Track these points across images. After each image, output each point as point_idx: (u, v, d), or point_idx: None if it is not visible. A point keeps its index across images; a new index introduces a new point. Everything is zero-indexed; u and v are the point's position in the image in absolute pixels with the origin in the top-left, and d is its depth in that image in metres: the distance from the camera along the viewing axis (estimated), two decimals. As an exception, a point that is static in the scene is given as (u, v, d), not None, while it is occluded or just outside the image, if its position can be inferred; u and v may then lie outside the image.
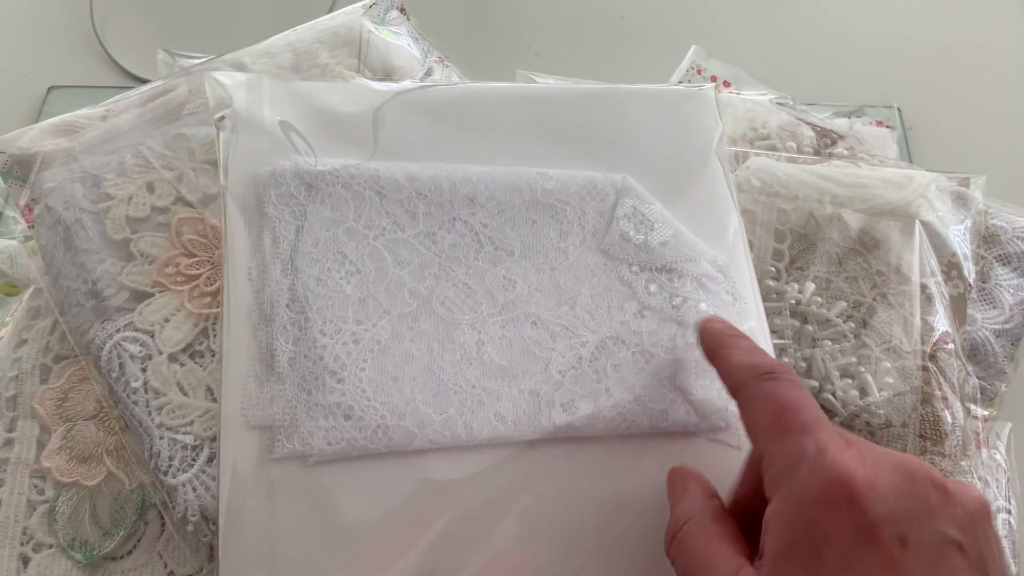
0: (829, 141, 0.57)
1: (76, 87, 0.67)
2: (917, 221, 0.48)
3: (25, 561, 0.40)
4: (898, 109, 0.67)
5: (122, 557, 0.40)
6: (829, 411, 0.44)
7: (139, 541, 0.40)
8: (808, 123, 0.57)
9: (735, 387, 0.35)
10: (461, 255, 0.43)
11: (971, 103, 0.70)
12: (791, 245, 0.49)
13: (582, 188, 0.45)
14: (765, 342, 0.44)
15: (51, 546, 0.40)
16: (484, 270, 0.42)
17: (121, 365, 0.41)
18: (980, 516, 0.30)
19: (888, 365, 0.44)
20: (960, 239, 0.49)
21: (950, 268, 0.48)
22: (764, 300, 0.46)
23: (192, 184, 0.45)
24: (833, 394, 0.44)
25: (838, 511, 0.28)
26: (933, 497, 0.29)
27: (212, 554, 0.40)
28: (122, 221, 0.43)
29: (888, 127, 0.62)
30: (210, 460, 0.39)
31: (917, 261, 0.47)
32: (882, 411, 0.43)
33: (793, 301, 0.46)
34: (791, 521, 0.29)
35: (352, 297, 0.40)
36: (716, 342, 0.37)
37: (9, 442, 0.42)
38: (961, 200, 0.51)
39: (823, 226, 0.49)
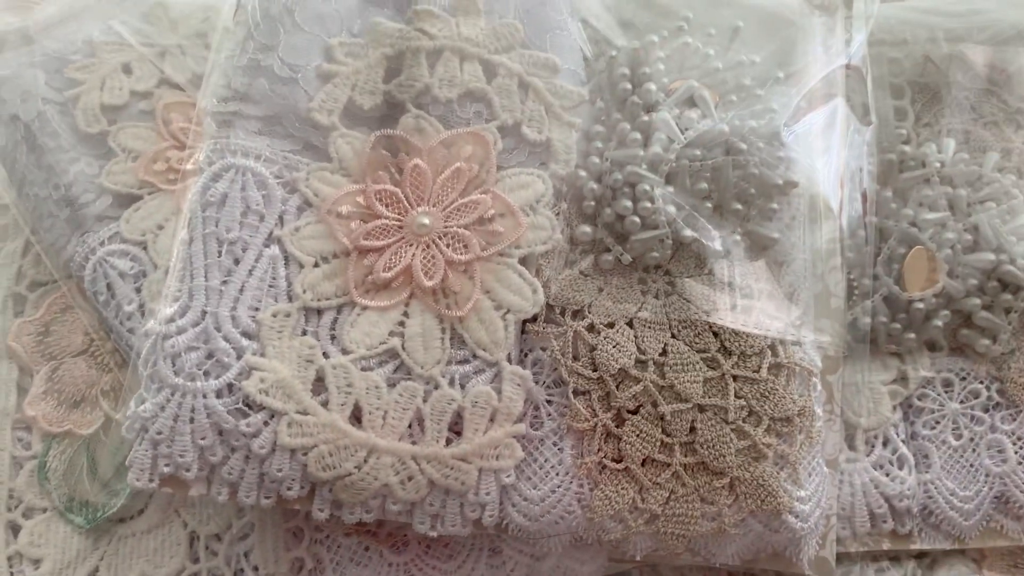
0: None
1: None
2: (1056, 37, 0.44)
3: (15, 530, 0.35)
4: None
5: (132, 518, 0.36)
6: (1013, 284, 0.39)
7: (151, 496, 0.36)
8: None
9: None
10: None
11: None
12: (912, 99, 0.44)
13: None
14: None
15: (45, 510, 0.36)
16: None
17: (110, 286, 0.37)
18: None
19: (1067, 215, 0.40)
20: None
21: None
22: (902, 170, 0.41)
23: (178, 63, 0.40)
24: (1013, 263, 0.39)
25: None
26: None
27: (239, 512, 0.36)
28: (95, 110, 0.39)
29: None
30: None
31: (1065, 84, 0.43)
32: (1077, 273, 0.39)
33: (938, 164, 0.41)
34: None
35: None
36: None
37: (-18, 390, 0.37)
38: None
39: (943, 69, 0.44)
